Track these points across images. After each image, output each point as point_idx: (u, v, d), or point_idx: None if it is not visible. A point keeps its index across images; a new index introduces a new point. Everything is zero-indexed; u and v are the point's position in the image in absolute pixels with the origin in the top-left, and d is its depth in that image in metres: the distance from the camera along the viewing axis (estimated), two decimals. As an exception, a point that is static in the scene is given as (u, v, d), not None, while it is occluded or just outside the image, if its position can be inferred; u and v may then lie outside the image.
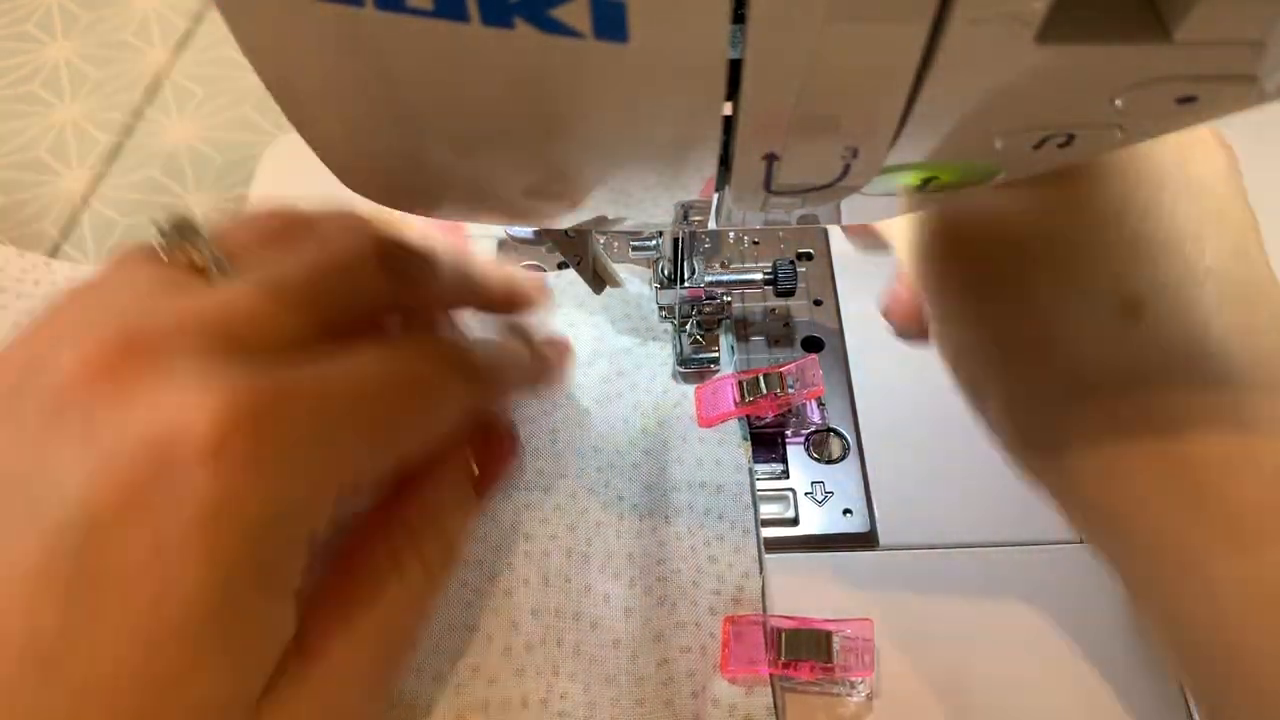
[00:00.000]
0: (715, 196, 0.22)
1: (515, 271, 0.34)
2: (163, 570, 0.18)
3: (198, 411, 0.19)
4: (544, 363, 0.33)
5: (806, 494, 0.34)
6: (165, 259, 0.24)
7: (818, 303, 0.40)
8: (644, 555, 0.31)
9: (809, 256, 0.41)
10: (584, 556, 0.31)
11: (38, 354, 0.22)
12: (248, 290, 0.22)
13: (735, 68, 0.16)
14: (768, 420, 0.35)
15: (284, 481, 0.20)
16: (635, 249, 0.35)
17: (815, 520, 0.33)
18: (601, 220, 0.24)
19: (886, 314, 0.32)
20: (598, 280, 0.33)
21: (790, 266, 0.36)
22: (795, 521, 0.33)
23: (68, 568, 0.18)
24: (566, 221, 0.25)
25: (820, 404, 0.36)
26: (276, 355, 0.22)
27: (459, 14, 0.14)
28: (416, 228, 0.32)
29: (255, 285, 0.23)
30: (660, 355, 0.37)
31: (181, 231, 0.24)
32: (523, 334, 0.33)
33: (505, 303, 0.33)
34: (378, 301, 0.26)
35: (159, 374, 0.20)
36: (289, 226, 0.26)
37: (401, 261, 0.27)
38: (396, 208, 0.23)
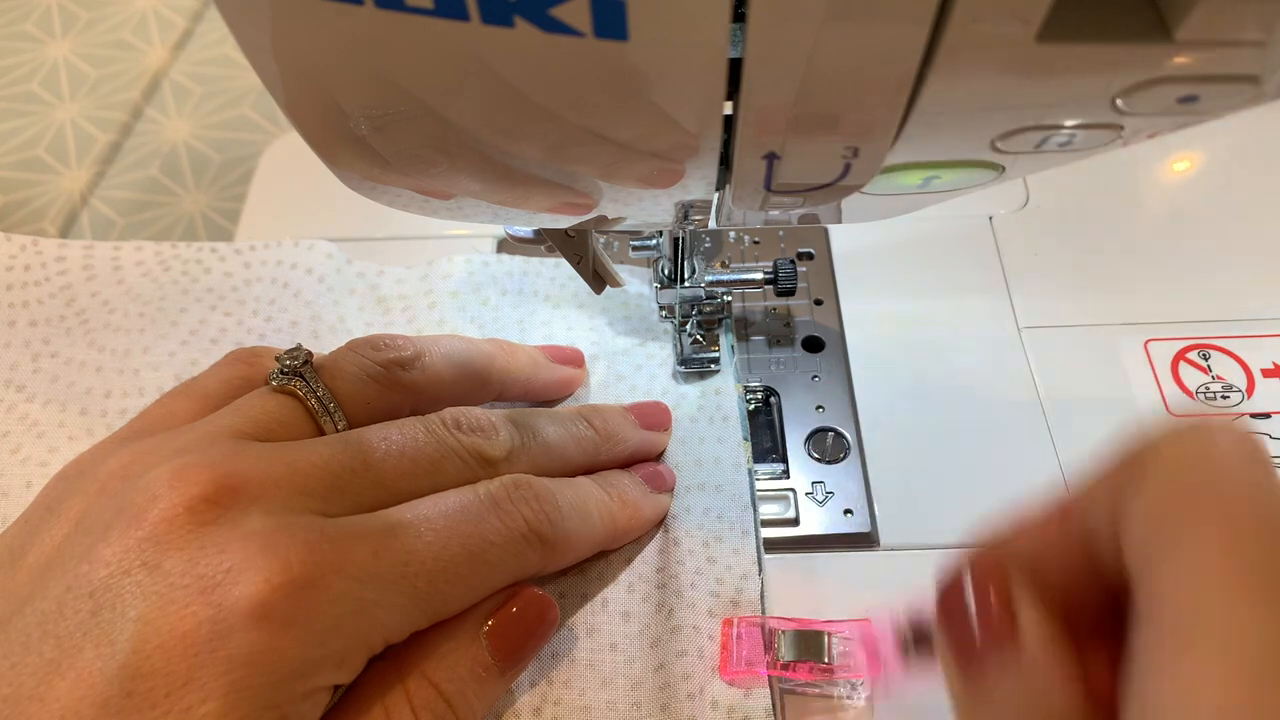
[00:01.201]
0: (715, 196, 0.22)
1: (642, 417, 0.33)
2: (188, 701, 0.20)
3: (254, 572, 0.21)
4: (638, 521, 0.31)
5: (807, 494, 0.34)
6: (279, 389, 0.27)
7: (818, 302, 0.40)
8: (642, 560, 0.31)
9: (810, 256, 0.41)
10: (579, 568, 0.31)
11: (137, 461, 0.24)
12: (343, 452, 0.25)
13: (735, 67, 0.16)
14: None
15: (319, 645, 0.22)
16: (635, 249, 0.35)
17: (816, 520, 0.33)
18: (601, 220, 0.24)
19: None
20: (598, 280, 0.33)
21: (791, 266, 0.36)
22: (796, 522, 0.33)
23: (110, 687, 0.20)
24: (566, 221, 0.25)
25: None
26: (352, 512, 0.24)
27: (459, 13, 0.14)
28: (529, 355, 0.34)
29: (350, 448, 0.25)
30: (660, 355, 0.37)
31: (298, 371, 0.27)
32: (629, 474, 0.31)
33: (626, 460, 0.32)
34: (467, 482, 0.27)
35: (233, 524, 0.22)
36: (398, 363, 0.29)
37: (504, 435, 0.28)
38: (395, 203, 0.23)
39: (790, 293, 0.36)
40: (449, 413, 0.28)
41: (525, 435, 0.29)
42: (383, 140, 0.18)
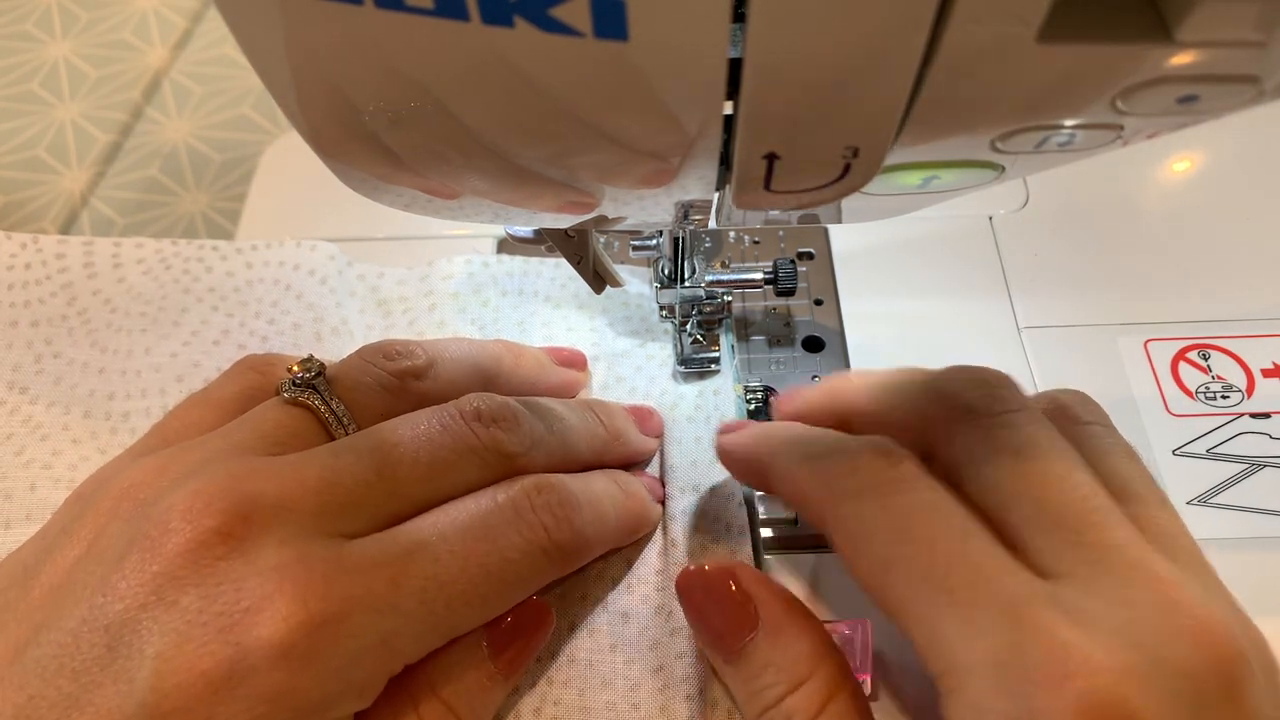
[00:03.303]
0: (715, 196, 0.22)
1: (638, 420, 0.33)
2: None
3: (272, 611, 0.21)
4: (646, 522, 0.31)
5: (806, 494, 0.34)
6: (292, 401, 0.26)
7: (818, 302, 0.40)
8: (642, 561, 0.31)
9: (810, 256, 0.41)
10: (579, 569, 0.31)
11: (149, 481, 0.24)
12: (355, 463, 0.24)
13: (735, 67, 0.16)
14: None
15: (339, 679, 0.22)
16: (635, 249, 0.35)
17: (815, 520, 0.33)
18: (601, 220, 0.24)
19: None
20: (598, 280, 0.33)
21: (791, 266, 0.36)
22: (795, 521, 0.33)
23: None
24: (568, 220, 0.25)
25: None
26: (369, 526, 0.24)
27: (459, 13, 0.14)
28: (535, 357, 0.34)
29: (362, 457, 0.25)
30: (660, 356, 0.37)
31: (311, 383, 0.27)
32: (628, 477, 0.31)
33: (623, 462, 0.32)
34: (486, 481, 0.26)
35: (248, 557, 0.22)
36: (411, 373, 0.28)
37: (515, 432, 0.28)
38: (396, 204, 0.23)
39: (790, 293, 0.36)
40: (469, 401, 0.27)
41: (545, 427, 0.29)
42: (397, 136, 0.18)
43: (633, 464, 0.33)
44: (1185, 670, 0.19)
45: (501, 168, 0.20)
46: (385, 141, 0.19)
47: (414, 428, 0.26)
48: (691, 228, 0.32)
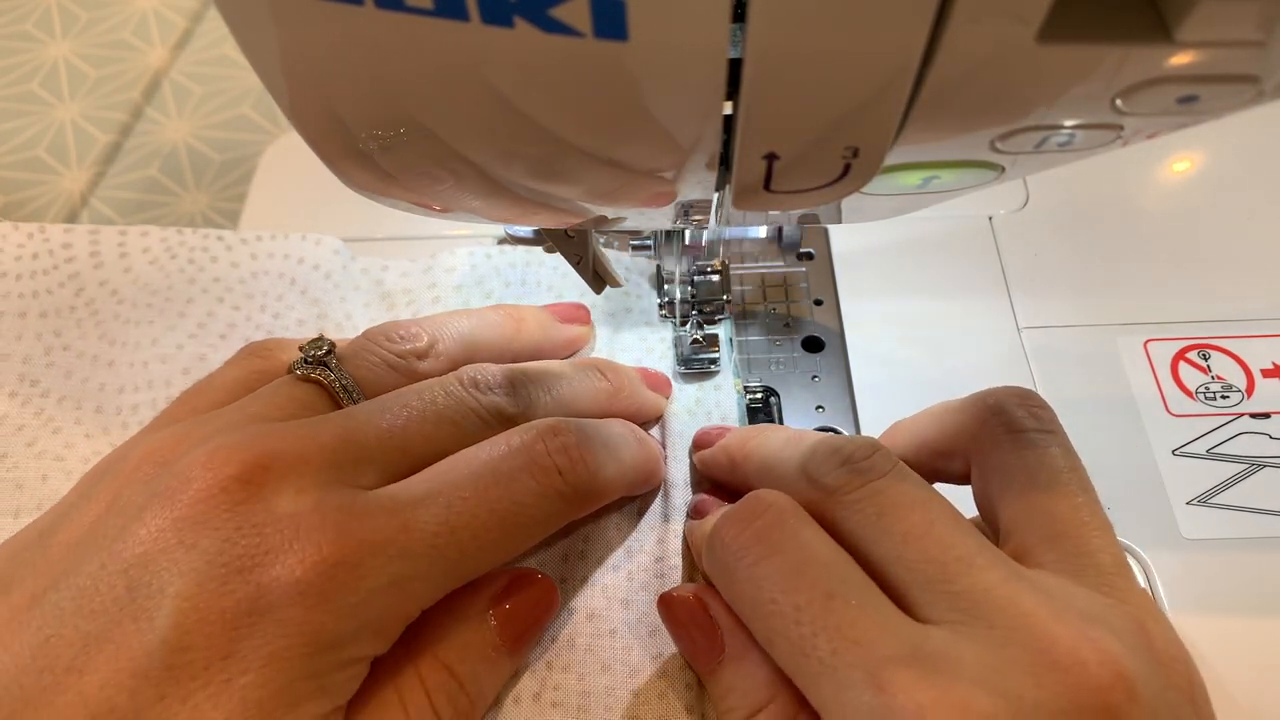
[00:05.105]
0: (715, 196, 0.22)
1: (647, 384, 0.34)
2: (228, 673, 0.21)
3: (289, 554, 0.22)
4: (659, 469, 0.32)
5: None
6: (303, 378, 0.27)
7: (818, 303, 0.40)
8: (642, 550, 0.31)
9: (809, 256, 0.41)
10: (581, 554, 0.31)
11: (167, 446, 0.24)
12: (366, 422, 0.25)
13: (735, 67, 0.16)
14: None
15: (354, 617, 0.22)
16: (635, 249, 0.35)
17: (815, 520, 0.33)
18: (601, 220, 0.24)
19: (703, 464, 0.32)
20: (597, 280, 0.33)
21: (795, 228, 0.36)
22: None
23: (150, 660, 0.20)
24: (566, 221, 0.25)
25: None
26: (381, 480, 0.25)
27: (459, 13, 0.14)
28: (537, 320, 0.34)
29: (373, 417, 0.26)
30: (660, 349, 0.37)
31: (323, 360, 0.28)
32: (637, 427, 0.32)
33: (631, 416, 0.33)
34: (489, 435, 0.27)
35: (267, 504, 0.22)
36: (415, 355, 0.30)
37: (518, 395, 0.29)
38: (396, 206, 0.23)
39: (796, 247, 0.37)
40: (466, 372, 0.28)
41: (541, 390, 0.30)
42: (389, 159, 0.18)
43: (640, 421, 0.34)
44: (1054, 711, 0.19)
45: (496, 190, 0.20)
46: (380, 164, 0.19)
47: (419, 393, 0.27)
48: (691, 227, 0.32)
